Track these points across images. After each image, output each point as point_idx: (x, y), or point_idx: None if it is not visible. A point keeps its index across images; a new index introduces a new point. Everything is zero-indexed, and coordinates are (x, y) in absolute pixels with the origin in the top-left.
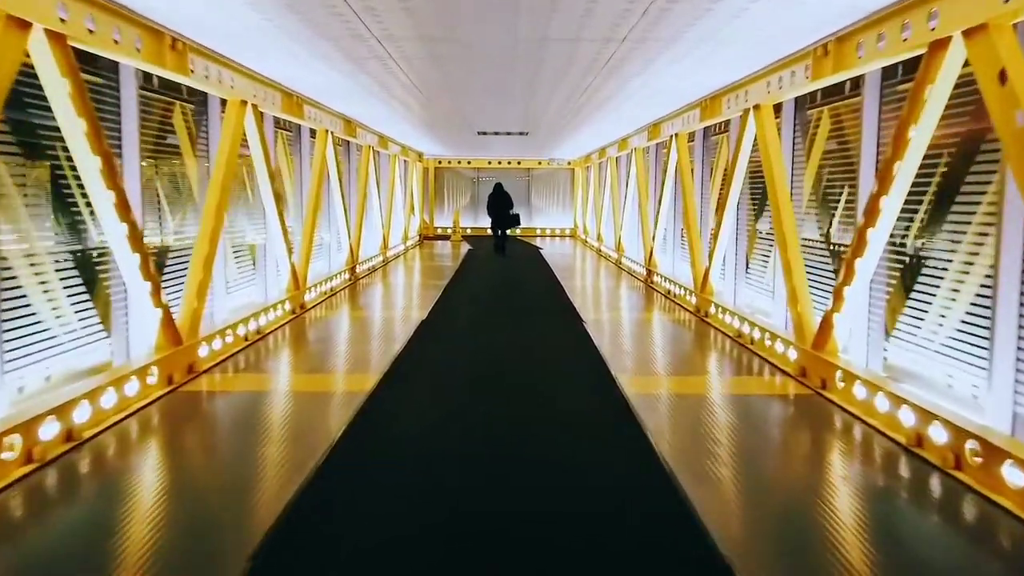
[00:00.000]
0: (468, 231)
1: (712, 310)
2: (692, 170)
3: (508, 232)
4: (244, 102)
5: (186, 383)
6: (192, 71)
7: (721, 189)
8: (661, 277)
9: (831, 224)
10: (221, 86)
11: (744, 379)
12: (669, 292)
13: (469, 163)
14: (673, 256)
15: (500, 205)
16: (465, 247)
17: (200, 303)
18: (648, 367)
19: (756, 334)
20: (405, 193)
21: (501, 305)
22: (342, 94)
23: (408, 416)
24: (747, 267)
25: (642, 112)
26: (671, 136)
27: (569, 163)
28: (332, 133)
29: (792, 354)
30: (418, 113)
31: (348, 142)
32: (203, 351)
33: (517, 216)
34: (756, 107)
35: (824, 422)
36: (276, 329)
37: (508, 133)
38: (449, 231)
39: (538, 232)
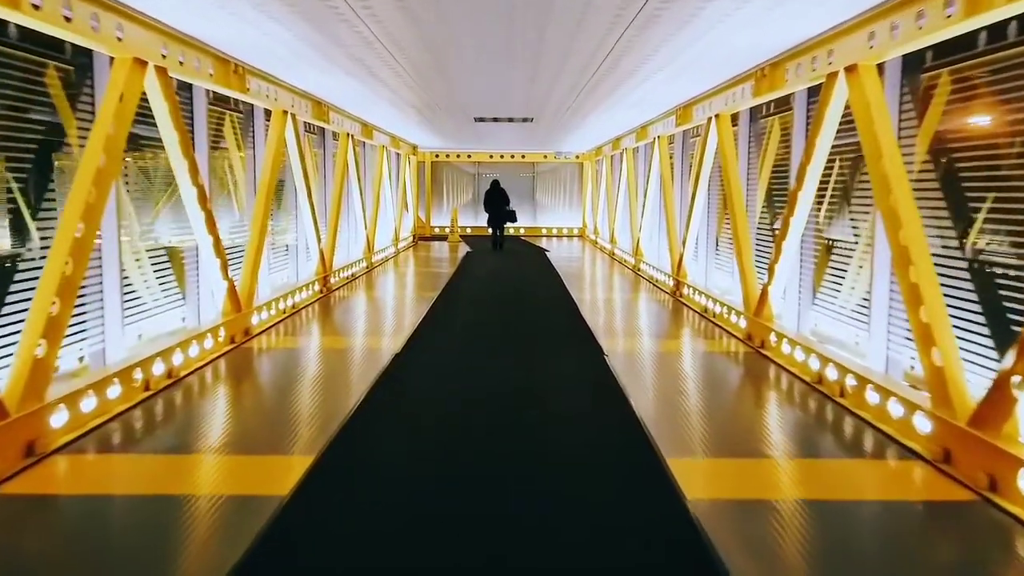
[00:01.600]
0: (468, 231)
1: (772, 340)
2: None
3: (509, 230)
4: (145, 63)
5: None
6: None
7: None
8: (693, 290)
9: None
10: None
11: (870, 463)
12: (706, 310)
13: (469, 157)
14: (706, 264)
15: (497, 202)
16: (463, 248)
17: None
18: (704, 438)
19: (852, 381)
20: (396, 189)
21: (500, 328)
22: (303, 66)
23: None
24: (818, 284)
25: (669, 91)
26: (709, 119)
27: (577, 156)
28: (293, 115)
29: (925, 424)
30: (404, 95)
31: (323, 130)
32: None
33: (513, 212)
34: (850, 68)
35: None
36: (196, 370)
37: (510, 120)
38: (447, 231)
39: (544, 232)
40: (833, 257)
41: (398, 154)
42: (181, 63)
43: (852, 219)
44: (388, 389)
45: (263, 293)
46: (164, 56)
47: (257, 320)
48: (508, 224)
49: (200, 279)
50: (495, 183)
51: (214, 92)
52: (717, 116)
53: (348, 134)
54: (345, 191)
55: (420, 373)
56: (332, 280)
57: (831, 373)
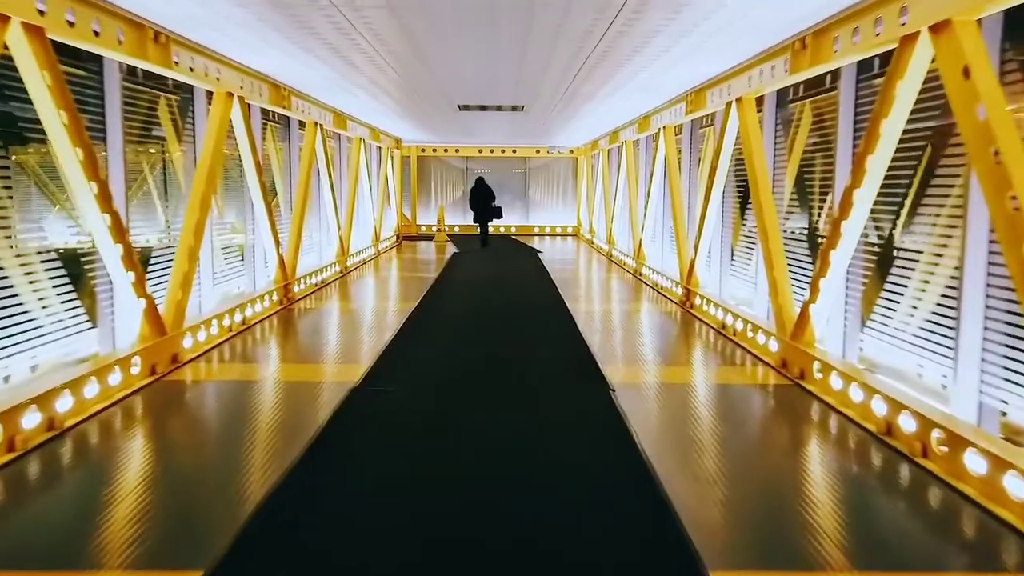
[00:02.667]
0: (456, 229)
1: (816, 371)
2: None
3: (499, 228)
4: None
5: None
6: None
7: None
8: (706, 301)
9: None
10: None
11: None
12: (724, 326)
13: (457, 151)
14: (720, 271)
15: (482, 199)
16: (451, 249)
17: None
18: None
19: (938, 437)
20: (377, 186)
21: (484, 355)
22: (256, 42)
23: None
24: (870, 303)
25: (678, 74)
26: (728, 104)
27: (571, 151)
28: (241, 98)
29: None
30: (376, 78)
31: (288, 119)
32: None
33: (499, 209)
34: (940, 26)
35: None
36: (93, 416)
37: (498, 108)
38: (433, 230)
39: (536, 231)
40: (890, 268)
41: (379, 148)
42: (72, 24)
43: (917, 221)
44: (322, 465)
45: (208, 307)
46: (42, 12)
47: (191, 342)
48: (496, 221)
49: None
50: (480, 180)
51: (141, 69)
52: (739, 100)
53: (316, 124)
54: (315, 187)
55: (374, 431)
56: (296, 288)
57: (906, 423)
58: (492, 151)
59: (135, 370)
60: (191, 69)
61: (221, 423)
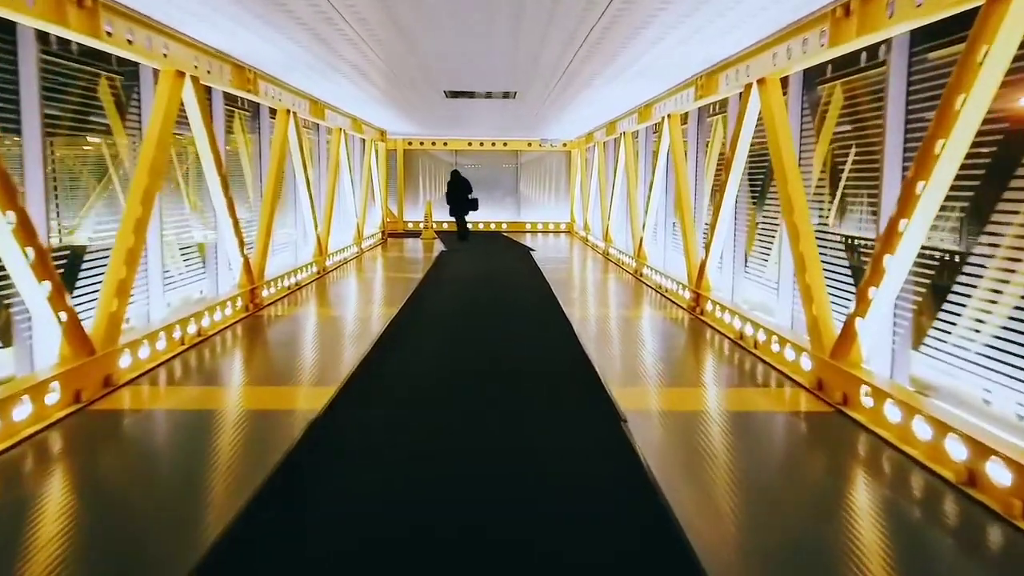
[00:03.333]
0: (445, 226)
1: (865, 397)
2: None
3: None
4: None
5: None
6: None
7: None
8: (719, 307)
9: None
10: None
11: None
12: (742, 336)
13: (445, 144)
14: (733, 275)
15: (459, 192)
16: (438, 246)
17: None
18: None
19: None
20: (360, 180)
21: (472, 379)
22: (209, 12)
23: None
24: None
25: (687, 54)
26: (748, 86)
27: (565, 144)
28: (193, 77)
29: None
30: (351, 58)
31: (258, 108)
32: None
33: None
34: None
35: None
36: None
37: (488, 95)
38: (420, 226)
39: (528, 227)
40: (950, 275)
41: (363, 140)
42: None
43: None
44: (272, 522)
45: (153, 318)
46: None
47: (130, 361)
48: (473, 215)
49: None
50: (455, 173)
51: (77, 44)
52: (761, 82)
53: (289, 112)
54: (292, 182)
55: (336, 478)
56: (265, 293)
57: (997, 473)
58: (482, 144)
59: (52, 398)
60: (129, 42)
61: (158, 464)
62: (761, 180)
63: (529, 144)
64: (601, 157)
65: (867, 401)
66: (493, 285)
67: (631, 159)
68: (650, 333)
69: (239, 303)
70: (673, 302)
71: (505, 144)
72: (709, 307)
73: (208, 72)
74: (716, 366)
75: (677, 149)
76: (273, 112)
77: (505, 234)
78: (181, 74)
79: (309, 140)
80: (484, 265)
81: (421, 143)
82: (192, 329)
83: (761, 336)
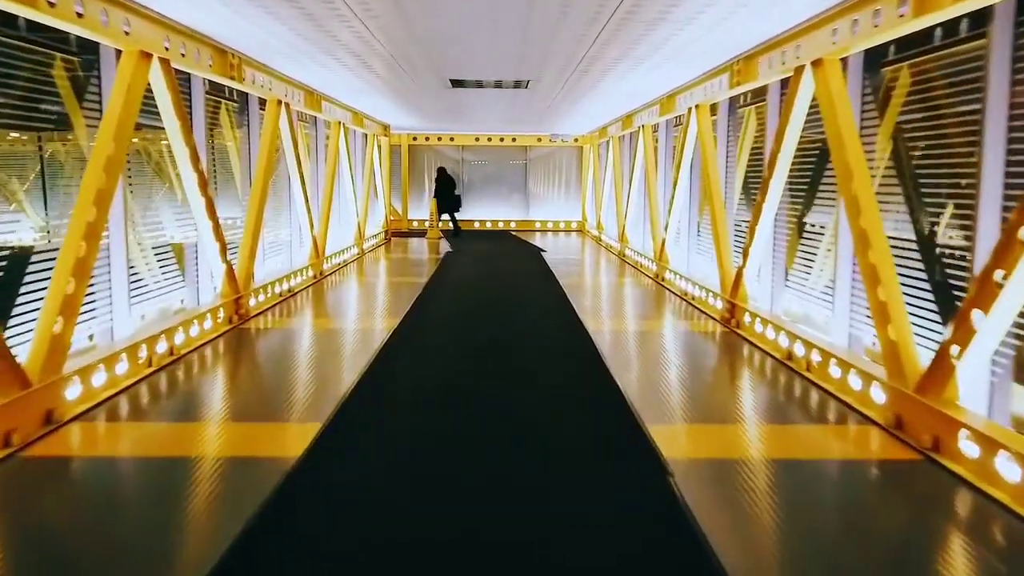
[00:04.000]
0: (451, 225)
1: (965, 445)
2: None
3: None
4: None
5: None
6: None
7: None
8: (760, 321)
9: None
10: None
11: None
12: (791, 357)
13: (452, 140)
14: (772, 287)
15: (448, 189)
16: (443, 247)
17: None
18: None
19: None
20: (362, 178)
21: (483, 413)
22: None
23: None
24: None
25: (721, 36)
26: (798, 69)
27: (576, 140)
28: (162, 59)
29: None
30: (347, 42)
31: (247, 97)
32: None
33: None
34: None
35: None
36: None
37: (497, 84)
38: (425, 225)
39: (538, 226)
40: None
41: (365, 135)
42: None
43: None
44: None
45: (121, 333)
46: None
47: (79, 392)
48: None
49: None
50: (441, 170)
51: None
52: (816, 63)
53: (281, 102)
54: (281, 179)
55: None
56: (253, 302)
57: None
58: (489, 139)
59: None
60: (79, 15)
61: (104, 530)
62: (810, 175)
63: (539, 139)
64: (616, 152)
65: (966, 448)
66: (502, 291)
67: (651, 154)
68: (682, 351)
69: (221, 315)
70: (702, 311)
71: (514, 139)
72: (747, 320)
73: (182, 54)
74: (767, 395)
75: (706, 143)
76: (264, 103)
77: (514, 233)
78: (147, 55)
79: (306, 136)
80: (492, 268)
81: (427, 139)
82: (162, 347)
83: (815, 357)
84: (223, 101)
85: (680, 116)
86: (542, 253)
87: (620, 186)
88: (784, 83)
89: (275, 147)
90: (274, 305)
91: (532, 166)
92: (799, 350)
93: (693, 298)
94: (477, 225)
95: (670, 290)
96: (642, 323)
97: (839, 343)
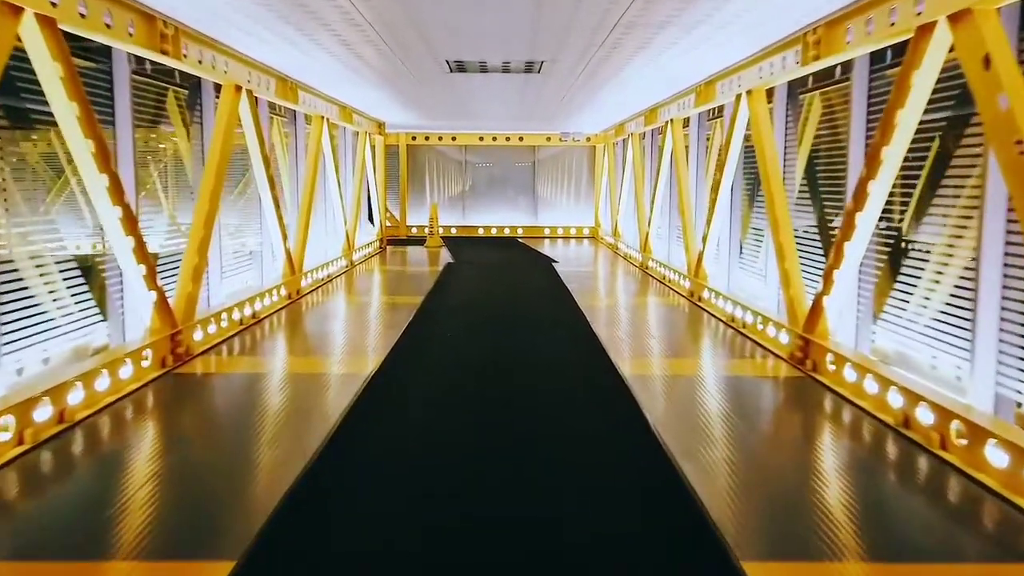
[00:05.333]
0: (453, 231)
1: None
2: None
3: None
4: None
5: None
6: None
7: None
8: (850, 366)
9: None
10: None
11: None
12: (907, 423)
13: (454, 139)
14: (857, 319)
15: None
16: (445, 256)
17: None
18: None
19: None
20: (351, 181)
21: (489, 514)
22: None
23: None
24: None
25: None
26: (931, 25)
27: (588, 138)
28: (39, 16)
29: None
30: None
31: (199, 85)
32: None
33: None
34: None
35: None
36: None
37: (505, 67)
38: (426, 232)
39: (547, 232)
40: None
41: (356, 132)
42: None
43: None
44: None
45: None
46: None
47: None
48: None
49: None
50: None
51: None
52: (959, 16)
53: (242, 88)
54: (247, 183)
55: None
56: (198, 335)
57: None
58: (495, 139)
59: None
60: None
61: None
62: (917, 173)
63: (548, 139)
64: (637, 152)
65: None
66: (510, 316)
67: (681, 153)
68: (753, 410)
69: (148, 359)
70: (760, 344)
71: (521, 139)
72: (829, 363)
73: (82, 15)
74: (893, 493)
75: (763, 135)
76: (217, 90)
77: (521, 240)
78: (49, 23)
79: (285, 134)
80: (497, 284)
81: (426, 138)
82: (44, 413)
83: (954, 427)
84: (170, 87)
85: (714, 109)
86: (553, 264)
87: (641, 190)
88: (876, 56)
89: (229, 143)
90: (230, 337)
91: (540, 167)
92: (924, 415)
93: (744, 326)
94: (481, 232)
95: (709, 312)
96: (681, 361)
97: (978, 404)
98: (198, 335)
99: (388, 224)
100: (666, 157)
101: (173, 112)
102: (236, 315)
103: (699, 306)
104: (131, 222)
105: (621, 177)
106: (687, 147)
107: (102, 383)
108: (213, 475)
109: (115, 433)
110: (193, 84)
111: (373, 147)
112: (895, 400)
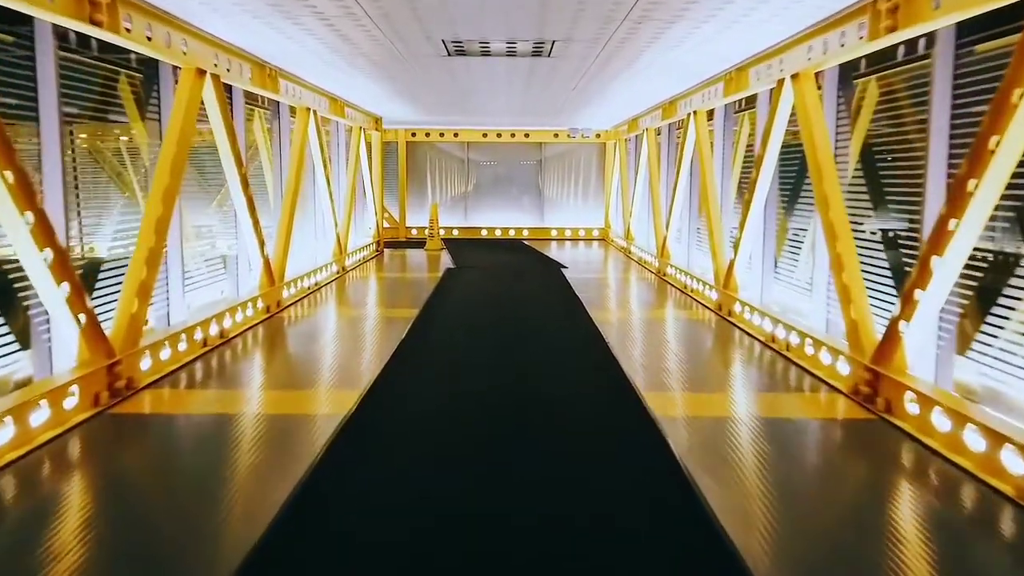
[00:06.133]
0: (455, 232)
1: None
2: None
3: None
4: None
5: None
6: None
7: None
8: (949, 414)
9: None
10: None
11: None
12: None
13: (456, 136)
14: (937, 349)
15: None
16: (445, 260)
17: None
18: None
19: None
20: (342, 180)
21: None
22: None
23: None
24: None
25: None
26: None
27: (598, 135)
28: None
29: None
30: None
31: (155, 69)
32: None
33: None
34: None
35: None
36: None
37: (510, 49)
38: (426, 234)
39: (554, 234)
40: None
41: (348, 128)
42: None
43: None
44: None
45: None
46: None
47: None
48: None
49: None
50: None
51: None
52: None
53: (205, 72)
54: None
55: None
56: (144, 365)
57: None
58: (499, 135)
59: None
60: None
61: None
62: None
63: (555, 135)
64: (653, 148)
65: None
66: (516, 335)
67: (706, 148)
68: (817, 466)
69: (74, 397)
70: (814, 375)
71: (527, 135)
72: (909, 403)
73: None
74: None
75: (814, 126)
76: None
77: (526, 242)
78: None
79: (267, 131)
80: (502, 294)
81: (427, 134)
82: None
83: None
84: (122, 71)
85: (741, 100)
86: (563, 270)
87: (657, 190)
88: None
89: (188, 135)
90: (190, 362)
91: (547, 166)
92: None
93: (788, 347)
94: (485, 233)
95: (743, 330)
96: (732, 405)
97: None
98: (146, 363)
99: (386, 225)
100: (687, 153)
101: (128, 101)
102: (199, 335)
103: (729, 321)
104: (46, 232)
105: (634, 176)
106: (712, 143)
107: (4, 433)
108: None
109: (22, 495)
110: (154, 69)
111: (369, 144)
112: (841, 367)
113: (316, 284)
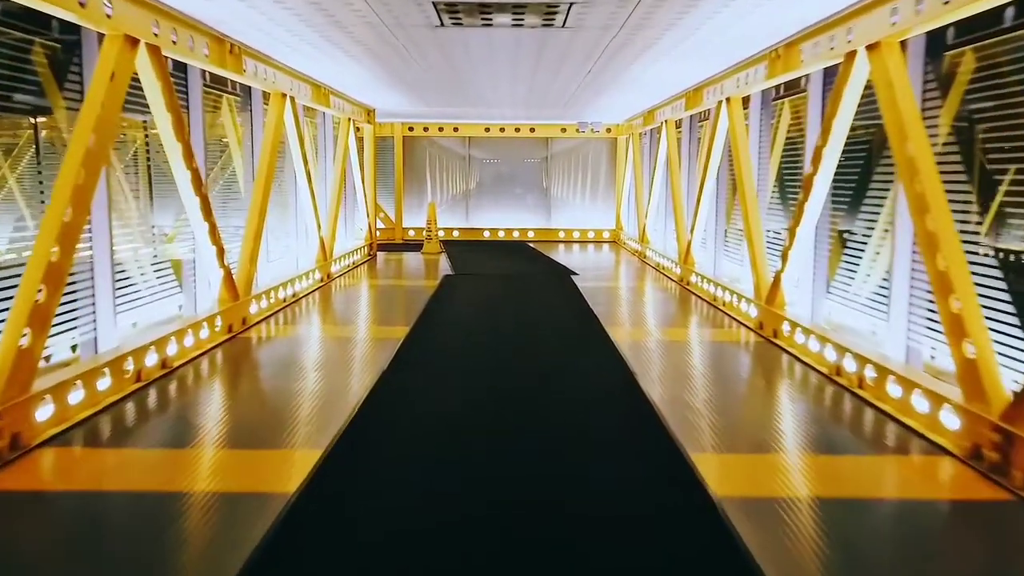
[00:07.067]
0: (456, 234)
1: None
2: None
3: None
4: None
5: None
6: None
7: None
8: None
9: None
10: None
11: None
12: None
13: (456, 131)
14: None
15: None
16: (444, 266)
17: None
18: None
19: None
20: (327, 177)
21: None
22: None
23: None
24: None
25: None
26: None
27: (609, 129)
28: None
29: None
30: None
31: (78, 37)
32: None
33: None
34: None
35: None
36: None
37: (517, 12)
38: (424, 236)
39: (562, 235)
40: None
41: (336, 120)
42: None
43: None
44: None
45: None
46: None
47: None
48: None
49: None
50: None
51: None
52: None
53: (139, 42)
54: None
55: None
56: (41, 416)
57: None
58: (503, 130)
59: None
60: None
61: None
62: None
63: (563, 130)
64: (672, 142)
65: None
66: (524, 362)
67: (742, 139)
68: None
69: None
70: (903, 424)
71: (532, 130)
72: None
73: None
74: None
75: (903, 107)
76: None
77: (532, 244)
78: None
79: (238, 123)
80: (506, 309)
81: (425, 128)
82: None
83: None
84: (36, 39)
85: (780, 86)
86: (573, 278)
87: (678, 188)
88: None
89: (111, 119)
90: (101, 411)
91: (554, 163)
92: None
93: (866, 386)
94: (487, 235)
95: (792, 355)
96: (798, 459)
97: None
98: (45, 411)
99: (382, 227)
100: (717, 146)
101: (44, 74)
102: (130, 365)
103: (773, 343)
104: None
105: (651, 173)
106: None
107: None
108: None
109: None
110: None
111: (360, 137)
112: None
113: (294, 295)
